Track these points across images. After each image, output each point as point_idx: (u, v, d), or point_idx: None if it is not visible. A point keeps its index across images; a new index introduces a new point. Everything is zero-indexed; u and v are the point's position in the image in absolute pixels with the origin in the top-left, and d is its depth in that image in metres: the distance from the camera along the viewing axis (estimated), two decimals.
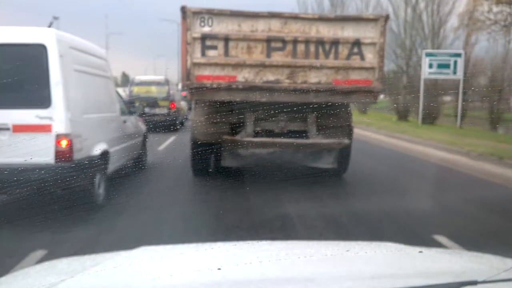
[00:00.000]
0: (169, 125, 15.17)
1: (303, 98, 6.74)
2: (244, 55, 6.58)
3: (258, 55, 6.59)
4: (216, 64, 6.58)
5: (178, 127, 16.44)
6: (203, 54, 6.55)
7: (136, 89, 16.73)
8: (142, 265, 1.62)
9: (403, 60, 24.66)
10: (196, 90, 6.62)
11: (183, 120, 18.51)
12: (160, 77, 17.73)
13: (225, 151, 7.27)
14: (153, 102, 15.67)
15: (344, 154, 7.66)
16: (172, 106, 16.49)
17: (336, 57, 6.70)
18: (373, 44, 6.72)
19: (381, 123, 19.75)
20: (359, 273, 1.47)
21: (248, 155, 7.26)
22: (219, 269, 1.39)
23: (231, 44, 6.56)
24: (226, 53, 6.57)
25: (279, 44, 6.61)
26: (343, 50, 6.71)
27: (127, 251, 1.75)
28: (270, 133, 7.20)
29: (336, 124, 7.42)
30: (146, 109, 14.06)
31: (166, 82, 17.28)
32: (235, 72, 6.61)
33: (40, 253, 4.03)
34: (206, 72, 6.60)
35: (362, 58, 6.74)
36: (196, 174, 7.79)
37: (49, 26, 5.39)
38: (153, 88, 16.80)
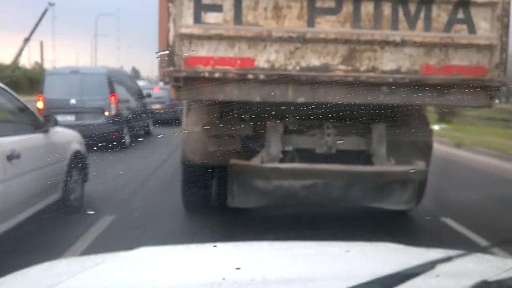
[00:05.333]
0: None
1: (369, 97, 3.93)
2: (269, 22, 3.78)
3: (293, 21, 3.78)
4: (220, 38, 3.77)
5: None
6: (197, 19, 3.74)
7: None
8: (142, 266, 1.61)
9: None
10: (186, 82, 3.82)
11: None
12: None
13: (234, 183, 4.47)
14: None
15: (420, 184, 4.86)
16: None
17: (427, 26, 3.88)
18: (490, 4, 3.89)
19: None
20: (359, 274, 1.36)
21: (271, 190, 4.46)
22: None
23: (246, 2, 3.76)
24: (238, 18, 3.76)
25: (330, 3, 3.80)
26: (440, 15, 3.89)
27: (127, 251, 1.68)
28: (309, 156, 4.40)
29: (414, 140, 4.62)
30: None
31: None
32: (253, 51, 3.81)
33: None
34: (203, 51, 3.79)
35: (471, 29, 3.92)
36: (189, 208, 5.10)
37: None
38: None
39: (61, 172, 4.86)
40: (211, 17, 3.75)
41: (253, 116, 4.46)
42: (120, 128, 9.51)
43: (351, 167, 4.29)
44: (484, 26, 3.91)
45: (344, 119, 4.34)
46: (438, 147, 10.01)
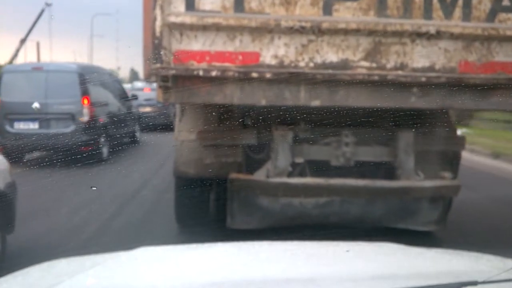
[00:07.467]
0: None
1: (398, 100, 3.30)
2: (277, 9, 3.13)
3: (305, 8, 3.14)
4: (218, 28, 3.12)
5: None
6: (190, 5, 3.10)
7: None
8: (142, 265, 1.62)
9: None
10: (176, 82, 3.18)
11: None
12: None
13: (234, 201, 3.84)
14: None
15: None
16: None
17: (467, 15, 3.24)
18: None
19: None
20: (359, 274, 1.44)
21: (278, 209, 3.84)
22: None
23: None
24: (239, 4, 3.12)
25: None
26: (482, 2, 3.25)
27: (127, 251, 1.68)
28: (323, 169, 3.76)
29: (445, 150, 4.00)
30: None
31: None
32: (258, 45, 3.17)
33: None
34: (197, 44, 3.15)
35: None
36: (183, 222, 4.51)
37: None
38: None
39: None
40: (207, 3, 3.10)
41: (258, 122, 3.84)
42: (95, 137, 8.00)
43: (373, 182, 3.65)
44: None
45: (364, 125, 3.70)
46: (473, 158, 8.58)
